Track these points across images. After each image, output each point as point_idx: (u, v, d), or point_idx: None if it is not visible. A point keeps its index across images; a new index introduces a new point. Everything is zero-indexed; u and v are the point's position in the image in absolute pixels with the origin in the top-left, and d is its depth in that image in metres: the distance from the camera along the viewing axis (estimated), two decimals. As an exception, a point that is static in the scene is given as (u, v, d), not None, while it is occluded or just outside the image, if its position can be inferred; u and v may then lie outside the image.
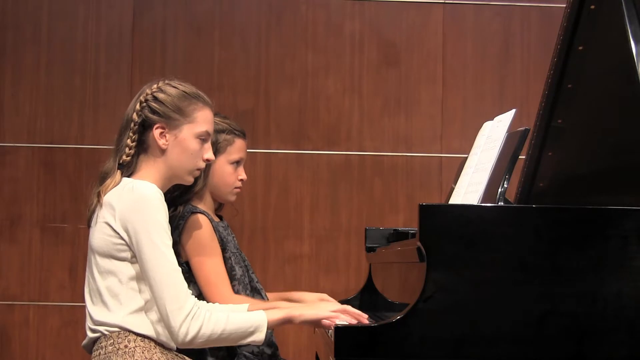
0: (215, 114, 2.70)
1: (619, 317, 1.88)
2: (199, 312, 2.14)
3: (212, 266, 2.49)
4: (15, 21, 4.24)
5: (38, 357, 4.15)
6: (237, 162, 2.67)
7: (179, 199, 2.55)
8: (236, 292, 2.54)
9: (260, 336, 2.16)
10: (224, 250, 2.56)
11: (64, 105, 4.23)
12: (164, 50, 4.27)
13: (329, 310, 2.17)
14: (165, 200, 2.55)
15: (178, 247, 2.51)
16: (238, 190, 2.70)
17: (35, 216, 4.19)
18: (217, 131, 2.63)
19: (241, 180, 2.69)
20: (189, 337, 2.12)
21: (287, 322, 2.22)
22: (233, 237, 2.70)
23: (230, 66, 4.28)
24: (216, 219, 2.65)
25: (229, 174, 2.65)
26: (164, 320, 2.14)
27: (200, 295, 2.50)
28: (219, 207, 2.75)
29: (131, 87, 4.17)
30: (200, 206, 2.59)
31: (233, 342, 2.18)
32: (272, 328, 2.28)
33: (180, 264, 2.47)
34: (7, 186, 4.19)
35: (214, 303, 2.43)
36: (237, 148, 2.67)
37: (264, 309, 2.28)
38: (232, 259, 2.59)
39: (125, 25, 4.27)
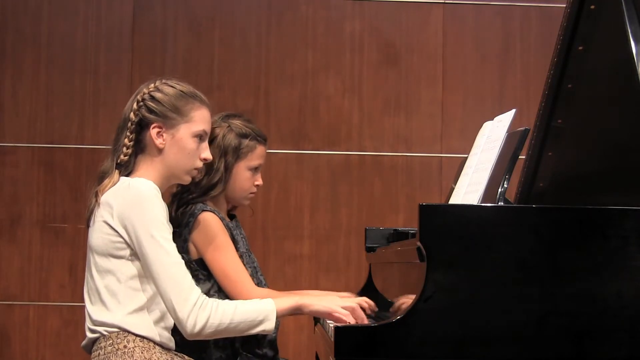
0: (239, 117, 2.67)
1: (619, 317, 1.88)
2: (206, 303, 2.14)
3: (229, 261, 2.48)
4: (15, 21, 4.25)
5: (38, 357, 4.16)
6: (255, 168, 2.65)
7: (193, 200, 2.54)
8: None
9: (269, 325, 2.16)
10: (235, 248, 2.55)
11: (64, 105, 4.23)
12: (164, 50, 4.28)
13: (339, 305, 2.17)
14: (179, 201, 2.55)
15: (188, 244, 2.50)
16: (252, 195, 2.68)
17: (35, 216, 4.19)
18: (241, 136, 2.61)
19: (257, 185, 2.68)
20: (197, 327, 2.12)
21: (296, 311, 2.22)
22: (243, 237, 2.69)
23: (230, 66, 4.28)
24: (227, 219, 2.64)
25: (246, 179, 2.63)
26: (170, 313, 2.15)
27: (209, 292, 2.49)
28: (232, 208, 2.74)
29: (131, 87, 4.17)
30: (212, 206, 2.57)
31: (242, 332, 2.18)
32: (281, 317, 2.27)
33: (190, 262, 2.48)
34: (7, 186, 4.19)
35: (235, 298, 2.42)
36: (258, 154, 2.65)
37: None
38: (243, 258, 2.58)
39: (125, 25, 4.27)
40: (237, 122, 2.63)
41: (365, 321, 2.19)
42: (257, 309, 2.17)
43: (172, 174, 2.31)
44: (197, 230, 2.50)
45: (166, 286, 2.13)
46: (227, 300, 2.23)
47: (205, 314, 2.12)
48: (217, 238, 2.49)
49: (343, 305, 2.17)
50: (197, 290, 2.15)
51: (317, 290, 2.53)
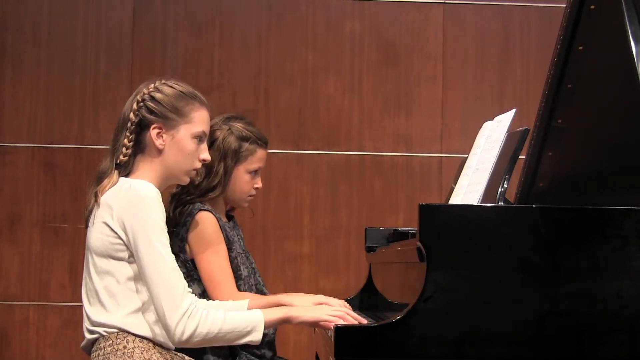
0: (240, 119, 2.67)
1: (619, 317, 1.88)
2: (196, 312, 2.14)
3: (216, 263, 2.48)
4: (15, 21, 4.25)
5: (38, 357, 4.16)
6: (255, 171, 2.65)
7: (192, 200, 2.54)
8: (241, 291, 2.53)
9: (257, 336, 2.16)
10: (229, 249, 2.55)
11: (64, 105, 4.23)
12: (164, 50, 4.28)
13: (327, 313, 2.18)
14: (178, 201, 2.55)
15: (184, 243, 2.50)
16: (251, 197, 2.69)
17: (35, 216, 4.19)
18: (241, 139, 2.61)
19: (256, 188, 2.67)
20: (185, 336, 2.12)
21: (285, 322, 2.23)
22: (240, 237, 2.69)
23: (230, 66, 4.28)
24: (224, 219, 2.64)
25: (245, 182, 2.63)
26: (160, 319, 2.14)
27: (204, 292, 2.50)
28: (231, 209, 2.74)
29: (131, 87, 4.17)
30: (209, 207, 2.57)
31: (229, 342, 2.18)
32: (270, 328, 2.28)
33: (186, 261, 2.48)
34: (7, 186, 4.19)
35: (215, 300, 2.44)
36: (258, 158, 2.65)
37: (264, 305, 2.28)
38: (238, 258, 2.58)
39: (125, 25, 4.27)
40: (237, 125, 2.63)
41: (363, 321, 2.19)
42: (245, 320, 2.17)
43: (171, 174, 2.31)
44: (192, 229, 2.50)
45: (159, 291, 2.13)
46: (216, 309, 2.23)
47: (194, 323, 2.12)
48: (210, 238, 2.49)
49: (331, 314, 2.17)
50: (188, 299, 2.15)
51: (294, 294, 2.51)
